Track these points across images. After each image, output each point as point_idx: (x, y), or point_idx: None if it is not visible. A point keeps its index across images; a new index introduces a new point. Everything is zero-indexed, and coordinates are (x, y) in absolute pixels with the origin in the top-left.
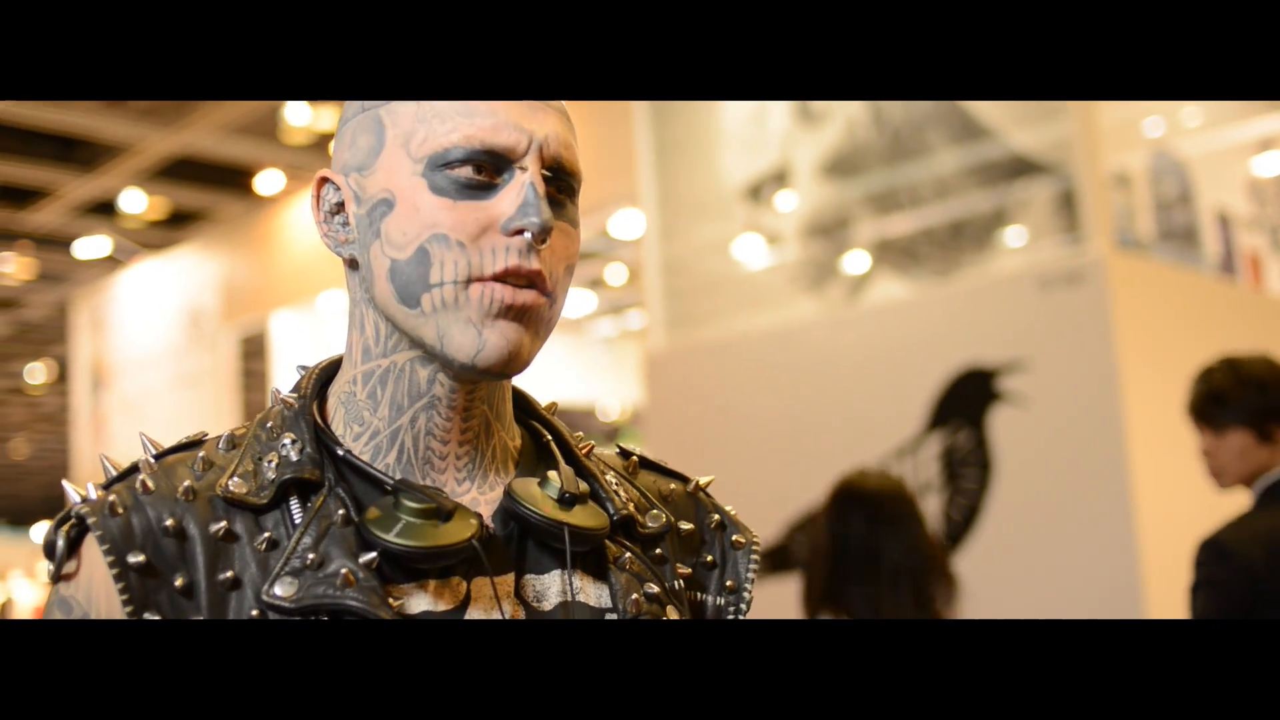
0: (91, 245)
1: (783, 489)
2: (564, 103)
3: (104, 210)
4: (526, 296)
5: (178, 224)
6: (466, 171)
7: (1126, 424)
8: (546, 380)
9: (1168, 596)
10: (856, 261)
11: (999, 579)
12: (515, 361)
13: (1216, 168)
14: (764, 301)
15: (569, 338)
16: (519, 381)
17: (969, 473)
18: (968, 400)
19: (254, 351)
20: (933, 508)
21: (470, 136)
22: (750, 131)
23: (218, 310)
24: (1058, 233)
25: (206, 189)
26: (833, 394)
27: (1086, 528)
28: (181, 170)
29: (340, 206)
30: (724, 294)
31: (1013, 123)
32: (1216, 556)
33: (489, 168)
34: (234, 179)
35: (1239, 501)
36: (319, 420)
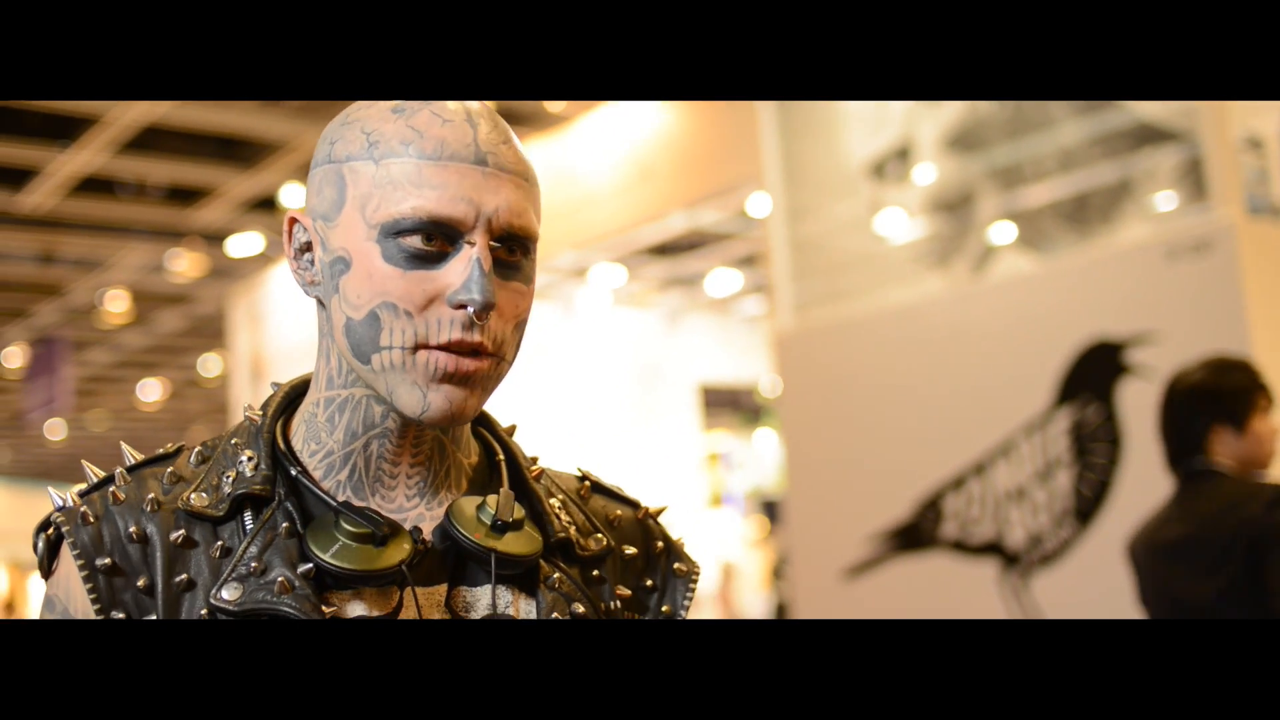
0: (244, 242)
1: (912, 465)
2: (526, 163)
3: (265, 206)
4: (468, 365)
5: None
6: (416, 241)
7: None
8: (695, 359)
9: None
10: (982, 236)
11: None
12: (459, 418)
13: None
14: (890, 278)
15: (716, 317)
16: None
17: (1098, 448)
18: (1096, 374)
19: None
20: (1062, 483)
21: (418, 208)
22: (872, 108)
23: None
24: (1186, 201)
25: None
26: (961, 370)
27: None
28: None
29: (308, 246)
30: (850, 272)
31: None
32: None
33: (440, 237)
34: None
35: None
36: (279, 438)
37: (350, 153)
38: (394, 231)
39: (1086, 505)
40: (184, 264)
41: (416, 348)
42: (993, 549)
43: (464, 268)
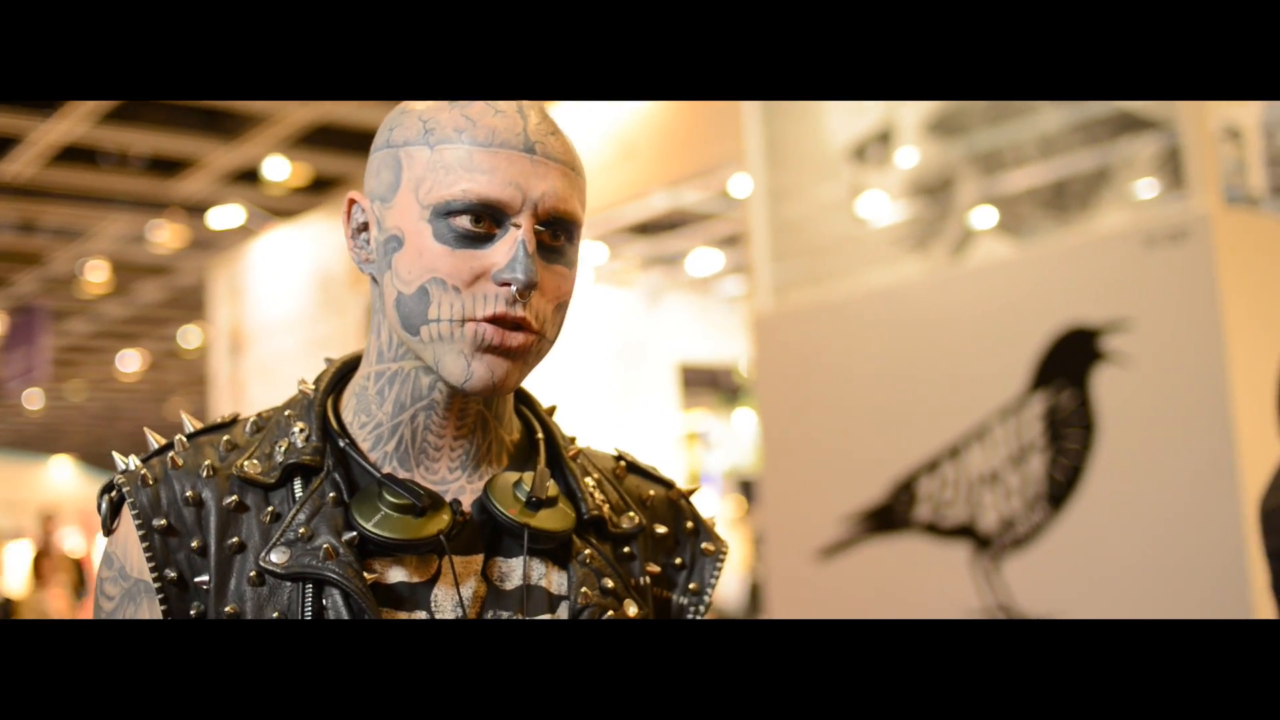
0: (225, 215)
1: (886, 448)
2: (573, 153)
3: (248, 178)
4: (514, 340)
5: (320, 190)
6: (466, 221)
7: (1231, 384)
8: (675, 338)
9: None
10: (962, 220)
11: (1102, 540)
12: (500, 388)
13: None
14: (868, 262)
15: (696, 297)
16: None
17: (1072, 433)
18: (1071, 360)
19: None
20: (1035, 468)
21: (468, 191)
22: None
23: (346, 277)
24: (1164, 189)
25: (345, 155)
26: (936, 354)
27: (1190, 489)
28: (321, 137)
29: (365, 226)
30: (830, 254)
31: None
32: None
33: (488, 219)
34: (369, 144)
35: None
36: (329, 411)
37: (407, 138)
38: (445, 212)
39: (1059, 490)
40: (165, 235)
41: (464, 320)
42: (965, 532)
43: (509, 248)
